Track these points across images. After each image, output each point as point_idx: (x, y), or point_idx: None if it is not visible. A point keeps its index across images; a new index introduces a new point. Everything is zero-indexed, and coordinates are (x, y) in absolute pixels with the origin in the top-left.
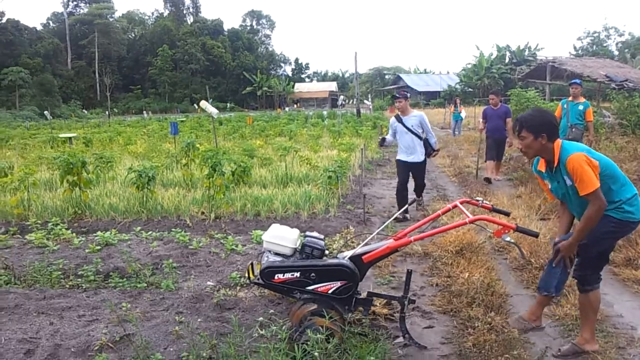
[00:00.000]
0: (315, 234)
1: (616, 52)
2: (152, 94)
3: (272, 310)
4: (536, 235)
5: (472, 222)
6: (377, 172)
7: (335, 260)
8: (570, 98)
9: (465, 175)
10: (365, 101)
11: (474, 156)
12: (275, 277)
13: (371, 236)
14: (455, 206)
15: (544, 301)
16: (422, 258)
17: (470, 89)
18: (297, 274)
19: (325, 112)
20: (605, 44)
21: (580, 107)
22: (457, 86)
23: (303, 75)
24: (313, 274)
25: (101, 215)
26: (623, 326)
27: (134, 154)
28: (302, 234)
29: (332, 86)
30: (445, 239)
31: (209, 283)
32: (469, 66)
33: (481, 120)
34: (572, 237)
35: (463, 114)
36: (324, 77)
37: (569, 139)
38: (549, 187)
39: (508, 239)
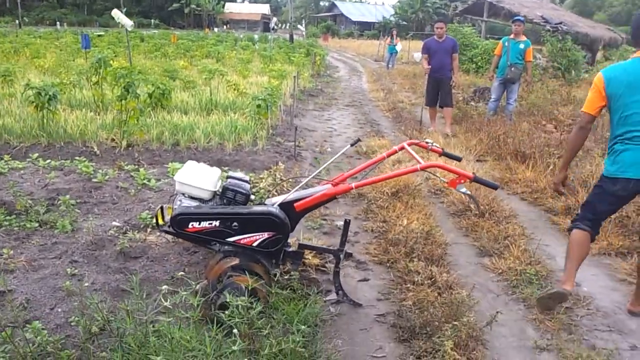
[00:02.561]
0: (239, 174)
1: None
2: (70, 4)
3: (185, 262)
4: (495, 187)
5: (424, 169)
6: (309, 102)
7: (262, 208)
8: (511, 36)
9: (399, 111)
10: (299, 26)
11: (407, 91)
12: (189, 226)
13: (306, 180)
14: (402, 148)
15: None
16: (356, 199)
17: (404, 22)
18: (216, 223)
19: (256, 36)
20: None
21: (522, 46)
22: (392, 18)
23: None
24: (235, 224)
25: None
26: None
27: (41, 69)
28: (225, 172)
29: (265, 9)
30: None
31: (114, 224)
32: None
33: (422, 55)
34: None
35: (399, 47)
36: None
37: (507, 78)
38: None
39: (464, 190)
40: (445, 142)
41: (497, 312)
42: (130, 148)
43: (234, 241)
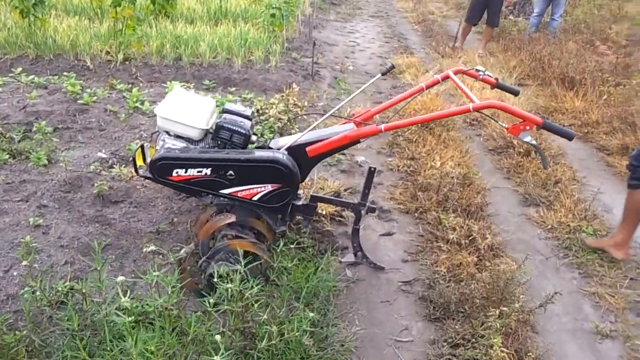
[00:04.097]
0: (238, 106)
1: None
2: None
3: (175, 209)
4: (571, 136)
5: (478, 109)
6: (330, 12)
7: (265, 153)
8: None
9: (430, 24)
10: None
11: (438, 1)
12: (174, 174)
13: (323, 118)
14: (447, 77)
15: None
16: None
17: None
18: (207, 171)
19: None
20: None
21: None
22: None
23: None
24: (231, 172)
25: None
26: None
27: None
28: (219, 103)
29: None
30: (408, 106)
31: (99, 154)
32: None
33: None
34: None
35: None
36: None
37: None
38: None
39: (528, 139)
40: (481, 62)
41: (555, 293)
42: (127, 62)
43: (229, 193)
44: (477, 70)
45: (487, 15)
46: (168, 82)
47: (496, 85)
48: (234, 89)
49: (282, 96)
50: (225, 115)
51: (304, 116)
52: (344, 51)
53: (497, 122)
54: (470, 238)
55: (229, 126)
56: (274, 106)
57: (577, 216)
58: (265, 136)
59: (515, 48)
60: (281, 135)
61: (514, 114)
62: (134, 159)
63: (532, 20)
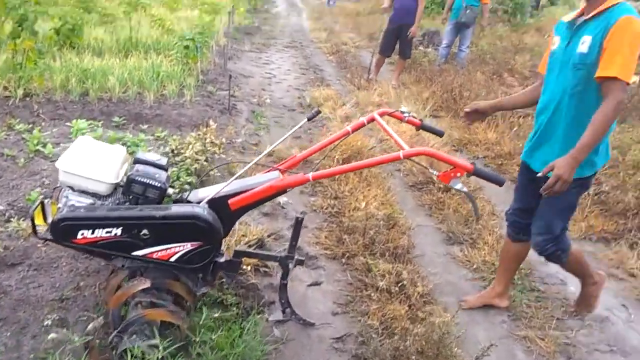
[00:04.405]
0: (152, 155)
1: None
2: None
3: (81, 270)
4: (501, 182)
5: (408, 157)
6: (245, 42)
7: (183, 209)
8: None
9: (344, 54)
10: None
11: (350, 32)
12: (79, 236)
13: (246, 167)
14: (372, 120)
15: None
16: (300, 168)
17: None
18: (118, 231)
19: None
20: None
21: None
22: None
23: None
24: (145, 232)
25: None
26: (551, 279)
27: None
28: (132, 151)
29: None
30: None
31: None
32: None
33: None
34: (575, 151)
35: None
36: None
37: (462, 22)
38: (554, 47)
39: (459, 186)
40: (396, 94)
41: (491, 345)
42: (28, 98)
43: (143, 255)
44: (402, 112)
45: (399, 46)
46: (74, 121)
47: (421, 127)
48: (146, 125)
49: (199, 134)
50: (137, 166)
51: (222, 155)
52: (260, 83)
53: (427, 169)
54: (399, 285)
55: (142, 179)
56: (190, 146)
57: (499, 253)
58: (181, 179)
59: (427, 79)
60: (199, 176)
61: (444, 161)
62: (32, 219)
63: (441, 51)
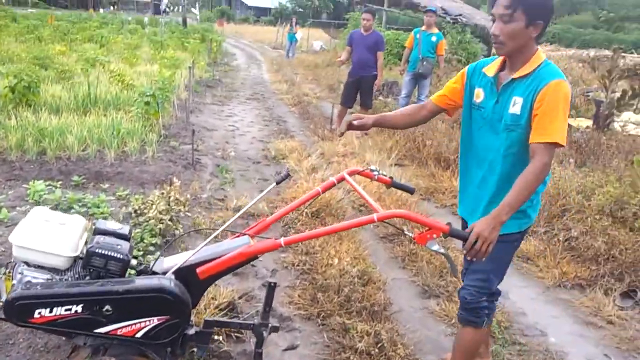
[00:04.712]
0: (112, 223)
1: None
2: None
3: (40, 347)
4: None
5: (382, 220)
6: (206, 95)
7: (148, 282)
8: (423, 27)
9: (306, 105)
10: (193, 10)
11: (310, 83)
12: (36, 315)
13: (216, 233)
14: (342, 179)
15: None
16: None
17: (300, 9)
18: (78, 308)
19: (146, 19)
20: None
21: (434, 39)
22: (288, 4)
23: None
24: (108, 307)
25: None
26: (532, 331)
27: None
28: (93, 213)
29: None
30: (297, 197)
31: None
32: None
33: (346, 47)
34: (498, 210)
35: (299, 36)
36: None
37: (419, 72)
38: (479, 101)
39: (436, 247)
40: (360, 144)
41: None
42: None
43: (106, 332)
44: (372, 170)
45: (360, 97)
46: (31, 182)
47: (391, 185)
48: (107, 184)
49: (163, 193)
50: (97, 237)
51: (187, 213)
52: (224, 136)
53: (402, 231)
54: (379, 345)
55: (103, 251)
56: (154, 205)
57: None
58: (145, 240)
59: (389, 131)
60: (163, 237)
61: (420, 223)
62: None
63: (400, 101)
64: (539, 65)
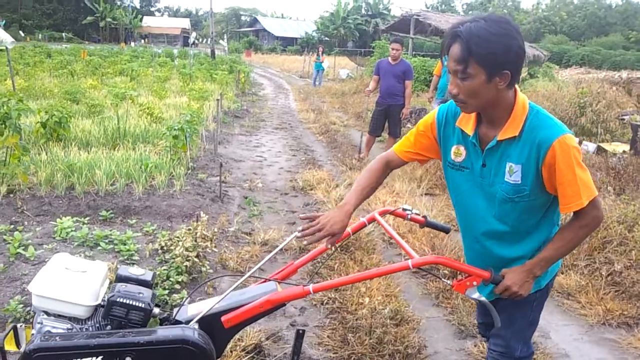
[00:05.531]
0: (135, 270)
1: (462, 13)
2: None
3: None
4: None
5: (417, 266)
6: (234, 125)
7: (172, 331)
8: None
9: (333, 134)
10: (221, 41)
11: (337, 111)
12: None
13: (244, 277)
14: (373, 220)
15: None
16: (298, 255)
17: (326, 38)
18: None
19: (176, 51)
20: (452, 4)
21: None
22: (314, 34)
23: (152, 9)
24: (129, 359)
25: None
26: None
27: None
28: (119, 250)
29: (185, 23)
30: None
31: None
32: (326, 14)
33: (373, 76)
34: (532, 264)
35: (325, 64)
36: (175, 13)
37: (446, 100)
38: (460, 160)
39: (476, 295)
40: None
41: None
42: (11, 195)
43: None
44: (404, 210)
45: (389, 126)
46: (58, 219)
47: (425, 224)
48: (134, 219)
49: (189, 229)
50: (118, 285)
51: (214, 249)
52: (251, 167)
53: (440, 279)
54: None
55: (124, 300)
56: (180, 242)
57: None
58: (171, 278)
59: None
60: (190, 274)
61: (460, 270)
62: (1, 348)
63: None
64: (525, 120)
